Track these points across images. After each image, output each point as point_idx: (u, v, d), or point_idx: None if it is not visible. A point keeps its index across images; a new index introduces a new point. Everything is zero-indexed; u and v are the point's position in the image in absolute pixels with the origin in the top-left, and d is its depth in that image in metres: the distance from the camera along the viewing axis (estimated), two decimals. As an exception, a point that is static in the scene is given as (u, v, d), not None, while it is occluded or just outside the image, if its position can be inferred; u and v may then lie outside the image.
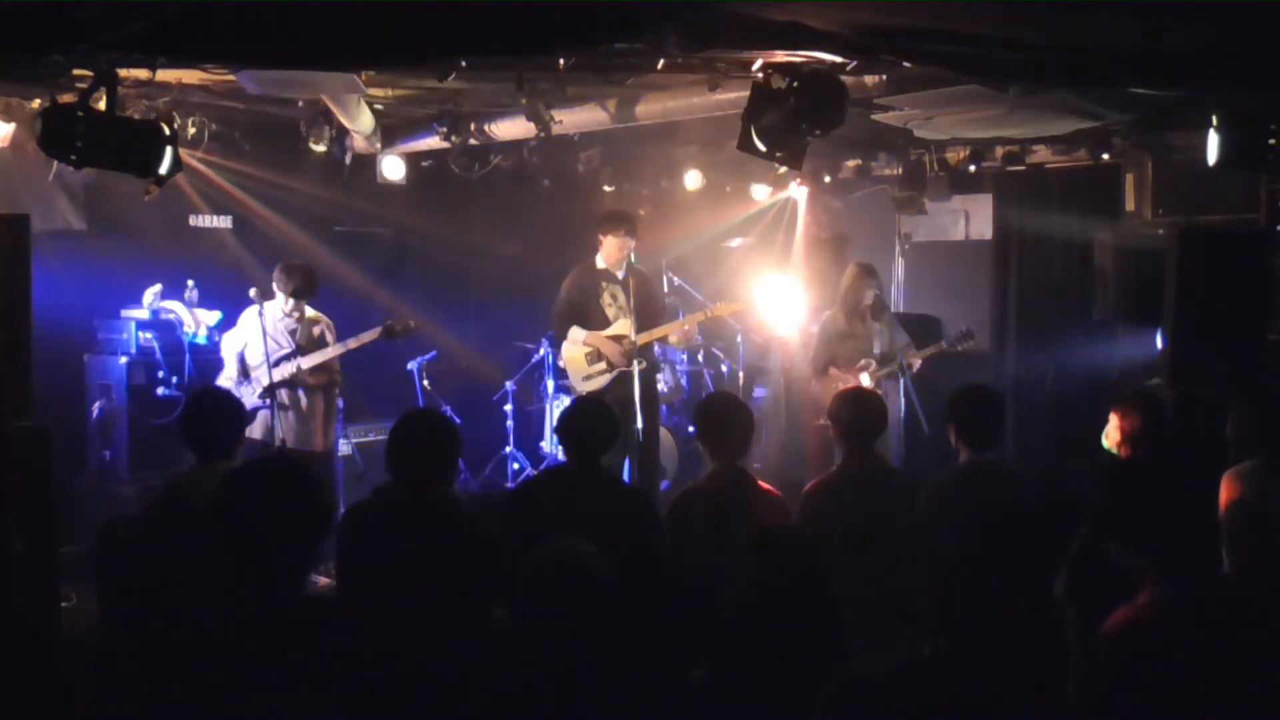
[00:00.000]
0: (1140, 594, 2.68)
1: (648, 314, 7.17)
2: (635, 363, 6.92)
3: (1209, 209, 7.17)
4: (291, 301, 6.47)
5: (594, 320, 7.11)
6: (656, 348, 8.48)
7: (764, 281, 8.83)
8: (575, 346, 7.15)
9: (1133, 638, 2.63)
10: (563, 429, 4.24)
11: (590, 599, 2.60)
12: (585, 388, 7.13)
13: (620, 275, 7.14)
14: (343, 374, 6.85)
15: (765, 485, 4.29)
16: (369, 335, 6.65)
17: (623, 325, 7.05)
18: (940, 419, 4.62)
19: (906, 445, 7.36)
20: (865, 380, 7.26)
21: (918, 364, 7.32)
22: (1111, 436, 4.21)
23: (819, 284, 9.01)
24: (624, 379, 6.99)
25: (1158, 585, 2.66)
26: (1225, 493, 3.98)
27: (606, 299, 7.14)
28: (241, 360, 6.48)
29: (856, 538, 4.08)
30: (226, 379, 6.47)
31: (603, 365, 7.11)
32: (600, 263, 7.17)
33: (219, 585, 2.63)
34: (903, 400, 7.26)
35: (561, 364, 7.49)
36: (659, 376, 8.58)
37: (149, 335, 6.77)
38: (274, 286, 6.46)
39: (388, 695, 3.13)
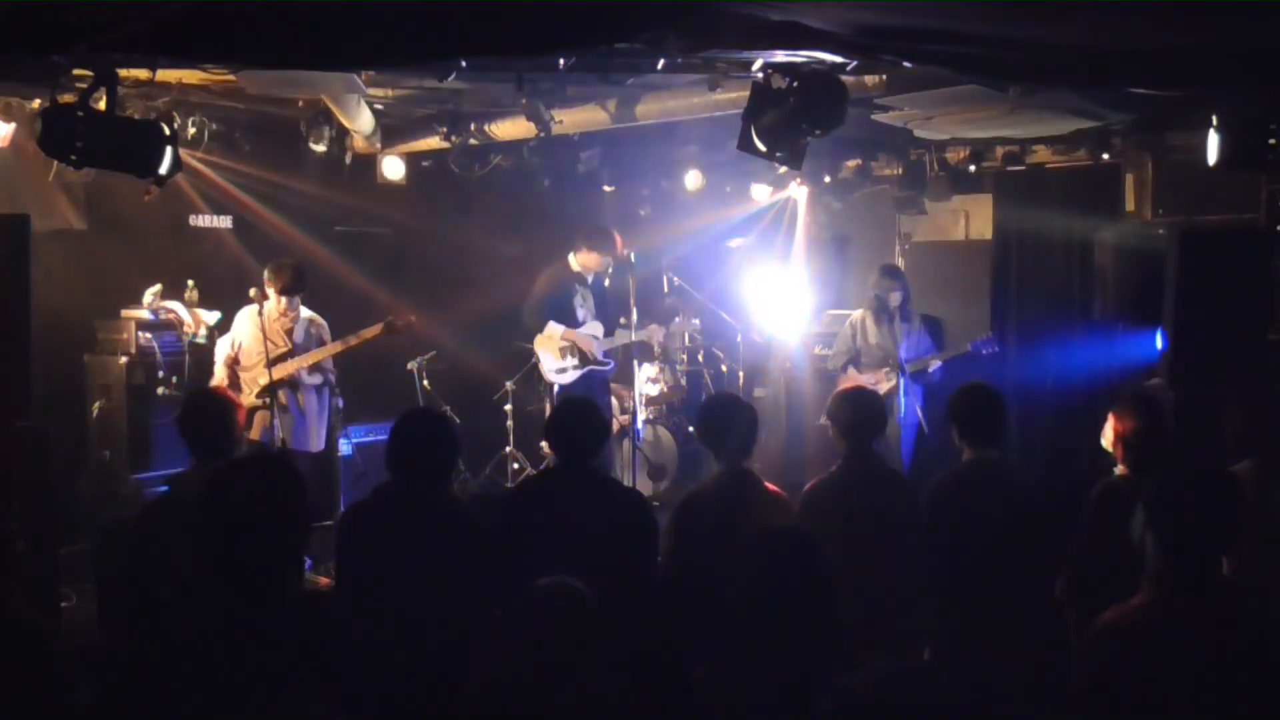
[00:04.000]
0: (1139, 593, 2.69)
1: (613, 318, 7.68)
2: (607, 365, 7.26)
3: (1209, 209, 7.16)
4: (285, 301, 6.47)
5: (566, 319, 7.52)
6: (657, 347, 8.71)
7: (764, 281, 8.83)
8: (551, 341, 7.53)
9: (1121, 637, 2.64)
10: (552, 431, 4.22)
11: (582, 634, 2.61)
12: (557, 380, 7.55)
13: (590, 281, 7.60)
14: (343, 374, 6.85)
15: (770, 486, 4.28)
16: (370, 331, 6.66)
17: (593, 326, 7.53)
18: (942, 420, 4.62)
19: (914, 445, 7.41)
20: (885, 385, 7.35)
21: (935, 365, 7.38)
22: (1107, 437, 4.21)
23: (819, 284, 9.02)
24: (593, 378, 7.46)
25: (1157, 585, 2.66)
26: (1225, 493, 3.98)
27: (578, 300, 7.58)
28: (232, 364, 6.48)
29: (856, 537, 4.08)
30: (216, 382, 6.47)
31: (575, 360, 7.50)
32: (574, 265, 7.56)
33: (213, 584, 2.63)
34: (903, 399, 7.29)
35: (535, 357, 7.80)
36: (659, 376, 8.66)
37: (149, 335, 6.77)
38: (265, 287, 6.45)
39: (386, 694, 3.14)
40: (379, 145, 7.56)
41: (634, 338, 7.44)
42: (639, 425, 8.30)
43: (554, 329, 7.50)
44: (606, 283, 7.71)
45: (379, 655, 2.99)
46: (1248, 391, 4.44)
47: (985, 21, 3.93)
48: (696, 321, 8.31)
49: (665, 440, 8.62)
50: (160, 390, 6.76)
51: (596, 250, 7.50)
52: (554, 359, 7.57)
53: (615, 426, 7.98)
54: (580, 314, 7.57)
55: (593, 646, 2.67)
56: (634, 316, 7.37)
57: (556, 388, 7.64)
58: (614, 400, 8.18)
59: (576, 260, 7.54)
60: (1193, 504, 2.70)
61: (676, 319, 8.21)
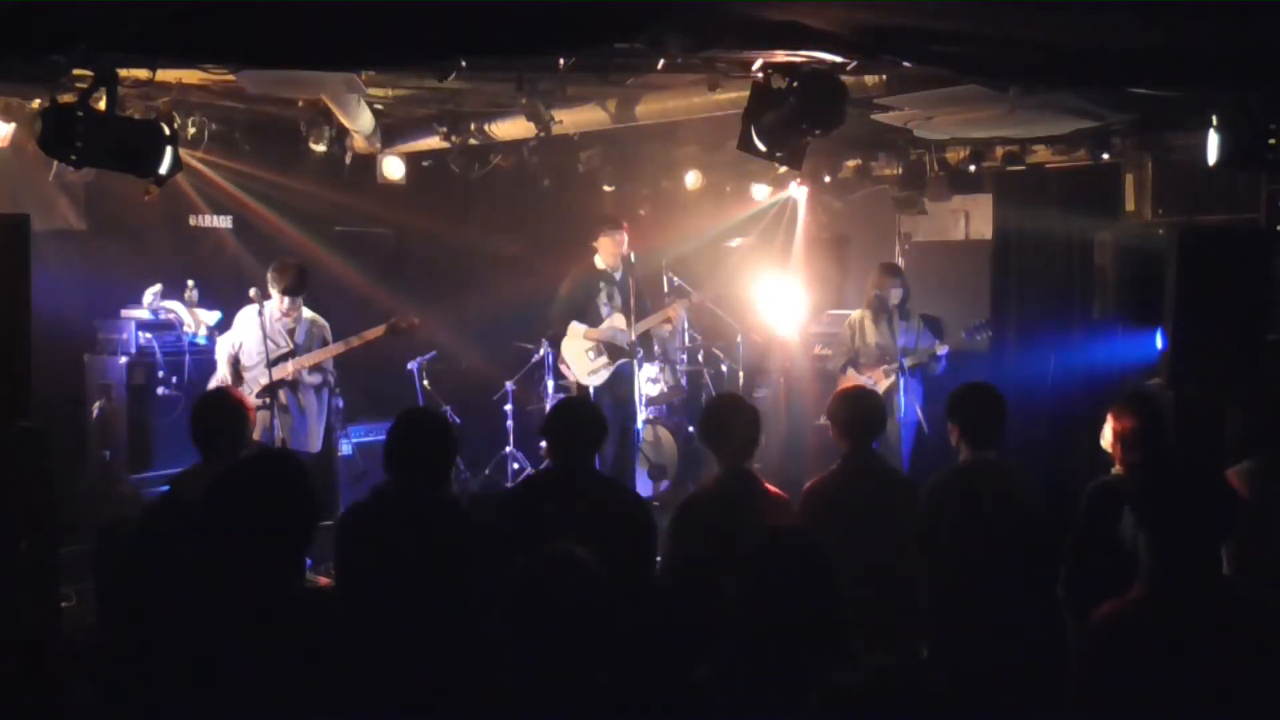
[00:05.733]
0: (1133, 589, 2.69)
1: (641, 312, 7.61)
2: (636, 356, 7.33)
3: (1209, 209, 7.16)
4: (288, 301, 6.47)
5: (590, 318, 7.56)
6: (655, 347, 8.70)
7: (764, 281, 8.83)
8: (577, 341, 7.54)
9: (1116, 630, 2.64)
10: (550, 430, 4.21)
11: (584, 599, 2.60)
12: (590, 381, 7.56)
13: (617, 276, 7.59)
14: (343, 374, 6.86)
15: (771, 487, 4.28)
16: (373, 332, 6.67)
17: (617, 320, 7.52)
18: (941, 419, 4.62)
19: (914, 445, 7.41)
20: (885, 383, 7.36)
21: (942, 350, 7.38)
22: (1106, 437, 4.21)
23: (819, 284, 9.02)
24: (621, 375, 7.45)
25: (1150, 582, 2.67)
26: (1224, 493, 3.98)
27: (603, 298, 7.60)
28: (234, 363, 6.48)
29: (855, 536, 4.08)
30: (218, 380, 6.47)
31: (605, 359, 7.51)
32: (599, 263, 7.59)
33: (214, 584, 2.63)
34: (903, 399, 7.30)
35: (562, 364, 7.72)
36: (659, 376, 8.65)
37: (149, 335, 6.77)
38: (268, 286, 6.47)
39: (386, 694, 3.13)
40: (379, 145, 7.56)
41: (640, 328, 7.45)
42: (639, 425, 8.30)
43: (576, 329, 7.55)
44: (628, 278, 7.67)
45: (378, 655, 2.98)
46: (1248, 391, 4.44)
47: (985, 21, 3.93)
48: (720, 291, 8.26)
49: (665, 440, 8.62)
50: (160, 390, 6.76)
51: (606, 234, 7.56)
52: (584, 361, 7.58)
53: (640, 417, 7.95)
54: (604, 310, 7.61)
55: (597, 617, 2.63)
56: (632, 320, 7.38)
57: (592, 390, 7.60)
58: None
59: (600, 254, 7.59)
60: (1179, 499, 2.71)
61: (694, 295, 8.14)
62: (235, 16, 3.80)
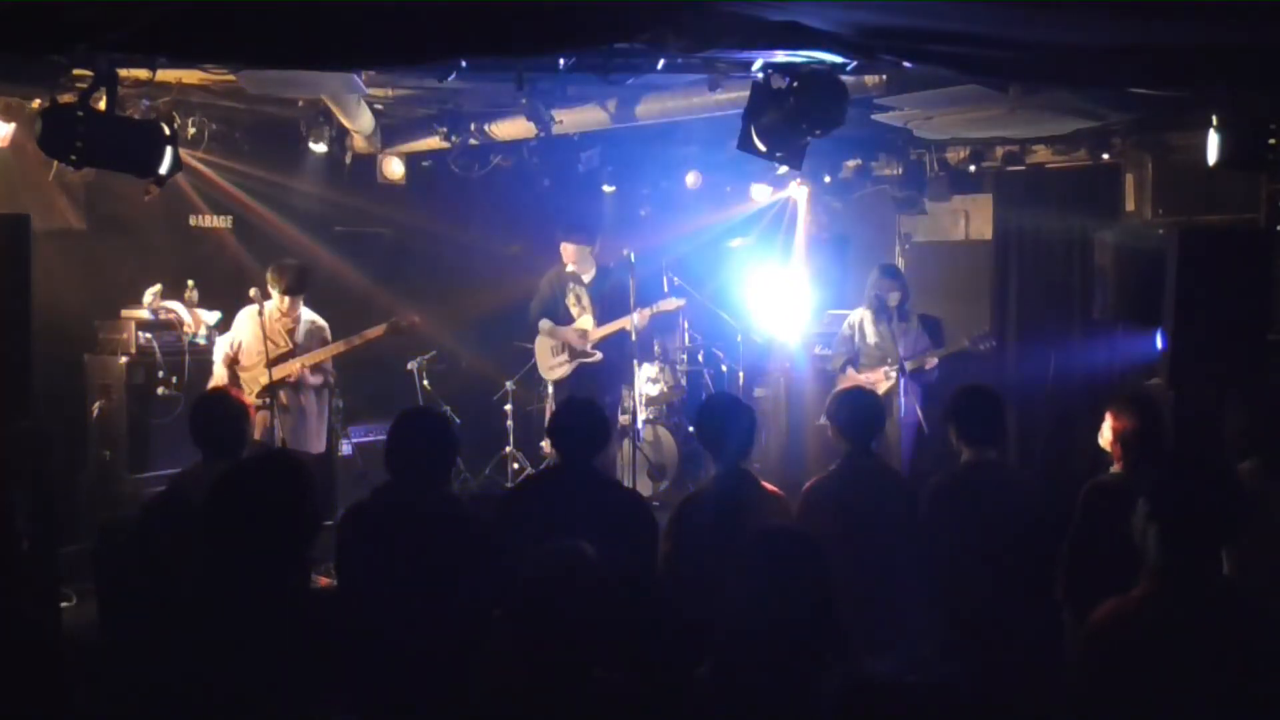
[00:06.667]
0: (1138, 586, 2.69)
1: (609, 315, 7.73)
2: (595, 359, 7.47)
3: (1209, 209, 7.17)
4: (288, 300, 6.47)
5: (560, 317, 7.71)
6: (657, 347, 8.71)
7: (764, 281, 8.84)
8: (543, 338, 7.78)
9: (1120, 627, 2.64)
10: (554, 430, 4.23)
11: (588, 595, 2.61)
12: (550, 377, 7.82)
13: (586, 279, 7.73)
14: (343, 374, 6.86)
15: (769, 486, 4.28)
16: (374, 332, 6.67)
17: (584, 321, 7.68)
18: (941, 419, 4.63)
19: (914, 445, 7.41)
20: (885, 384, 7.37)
21: (932, 364, 7.38)
22: (1104, 436, 4.21)
23: (819, 284, 9.02)
24: (584, 370, 7.58)
25: (1157, 578, 2.67)
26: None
27: (571, 299, 7.73)
28: (231, 363, 6.48)
29: (855, 536, 4.08)
30: (215, 381, 6.47)
31: (565, 356, 7.67)
32: (569, 265, 7.72)
33: (215, 584, 2.63)
34: (902, 399, 7.30)
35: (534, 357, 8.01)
36: (659, 376, 8.65)
37: (149, 335, 6.77)
38: (268, 286, 6.46)
39: (386, 695, 3.14)
40: (379, 145, 7.56)
41: (606, 332, 7.51)
42: (639, 425, 8.31)
43: (543, 325, 7.72)
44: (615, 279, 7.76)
45: (379, 654, 2.99)
46: (1248, 392, 4.43)
47: (985, 21, 3.93)
48: (682, 300, 8.21)
49: (665, 440, 8.62)
50: (160, 390, 6.75)
51: (572, 242, 7.66)
52: (547, 356, 7.79)
53: (621, 422, 8.03)
54: (574, 311, 7.71)
55: (601, 615, 2.63)
56: (635, 318, 7.37)
57: (551, 385, 7.85)
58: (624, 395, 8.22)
59: (564, 257, 7.71)
60: (1196, 497, 2.71)
61: (662, 299, 8.12)
62: (235, 16, 3.80)
